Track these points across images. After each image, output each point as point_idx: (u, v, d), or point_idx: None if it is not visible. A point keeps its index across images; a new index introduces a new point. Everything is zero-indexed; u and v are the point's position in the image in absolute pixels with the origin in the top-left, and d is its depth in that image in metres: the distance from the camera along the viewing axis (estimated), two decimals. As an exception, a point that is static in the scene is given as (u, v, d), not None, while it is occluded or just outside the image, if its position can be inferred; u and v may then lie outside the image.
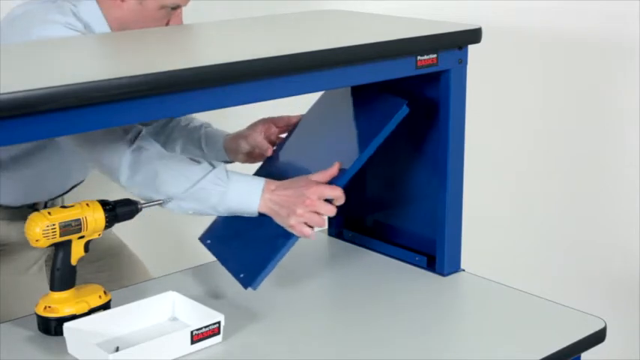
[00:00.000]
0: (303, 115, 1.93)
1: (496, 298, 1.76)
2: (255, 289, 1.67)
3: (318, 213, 1.67)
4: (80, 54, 1.61)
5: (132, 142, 1.71)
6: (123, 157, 1.69)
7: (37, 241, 1.55)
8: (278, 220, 1.70)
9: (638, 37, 2.53)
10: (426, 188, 1.84)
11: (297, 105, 1.97)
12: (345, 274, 1.86)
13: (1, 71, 1.35)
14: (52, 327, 1.59)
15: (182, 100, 1.40)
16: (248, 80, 1.46)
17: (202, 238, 1.86)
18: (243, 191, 1.70)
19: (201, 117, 2.10)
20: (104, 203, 1.62)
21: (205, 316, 1.57)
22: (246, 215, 1.73)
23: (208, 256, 1.94)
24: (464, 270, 1.85)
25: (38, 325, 1.61)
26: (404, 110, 1.68)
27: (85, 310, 1.61)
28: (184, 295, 1.64)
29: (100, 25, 1.86)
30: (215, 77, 1.42)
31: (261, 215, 1.71)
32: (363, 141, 1.71)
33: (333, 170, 1.69)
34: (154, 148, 1.72)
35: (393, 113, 1.68)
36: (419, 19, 1.89)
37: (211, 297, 1.74)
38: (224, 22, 1.96)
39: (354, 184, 1.92)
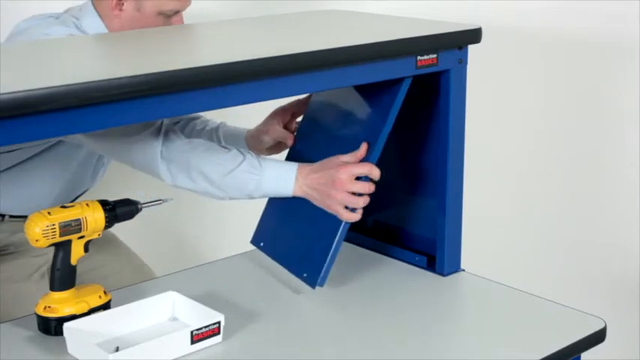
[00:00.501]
0: (311, 96, 1.93)
1: (496, 298, 1.76)
2: (322, 286, 1.68)
3: (353, 193, 1.68)
4: (80, 54, 1.61)
5: (158, 135, 1.73)
6: (156, 153, 1.72)
7: (36, 241, 1.55)
8: (317, 204, 1.71)
9: (638, 37, 2.53)
10: (426, 188, 1.84)
11: (297, 105, 1.97)
12: (345, 274, 1.86)
13: (1, 71, 1.35)
14: (52, 327, 1.59)
15: (182, 100, 1.40)
16: (248, 80, 1.46)
17: (254, 242, 1.88)
18: (278, 177, 1.73)
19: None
20: (104, 203, 1.62)
21: (205, 316, 1.57)
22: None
23: (208, 256, 1.94)
24: (464, 270, 1.85)
25: (38, 325, 1.61)
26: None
27: (85, 310, 1.61)
28: (184, 295, 1.64)
29: None
30: (215, 77, 1.42)
31: (307, 204, 1.73)
32: (381, 115, 1.71)
33: (361, 151, 1.70)
34: (179, 139, 1.75)
35: (400, 83, 1.68)
36: (419, 19, 1.89)
37: (211, 297, 1.74)
38: (224, 22, 1.96)
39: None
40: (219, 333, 1.56)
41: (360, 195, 1.69)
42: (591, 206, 2.73)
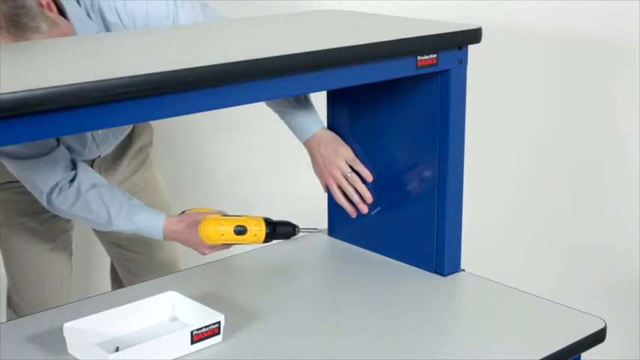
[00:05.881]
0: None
1: (496, 298, 1.76)
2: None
3: None
4: (80, 54, 1.61)
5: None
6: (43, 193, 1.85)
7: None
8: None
9: (638, 37, 2.53)
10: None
11: (297, 105, 1.96)
12: (344, 274, 1.86)
13: (1, 71, 1.35)
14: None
15: (182, 100, 1.40)
16: (248, 80, 1.46)
17: (336, 235, 1.97)
18: (148, 229, 1.88)
19: (199, 116, 2.10)
20: (267, 221, 1.85)
21: (205, 316, 1.57)
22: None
23: (208, 256, 1.94)
24: (464, 270, 1.85)
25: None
26: None
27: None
28: (184, 295, 1.64)
29: None
30: (215, 77, 1.42)
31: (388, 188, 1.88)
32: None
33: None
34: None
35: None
36: (419, 19, 1.89)
37: (211, 297, 1.74)
38: (224, 22, 1.96)
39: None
40: (219, 333, 1.56)
41: None
42: (591, 207, 2.73)
